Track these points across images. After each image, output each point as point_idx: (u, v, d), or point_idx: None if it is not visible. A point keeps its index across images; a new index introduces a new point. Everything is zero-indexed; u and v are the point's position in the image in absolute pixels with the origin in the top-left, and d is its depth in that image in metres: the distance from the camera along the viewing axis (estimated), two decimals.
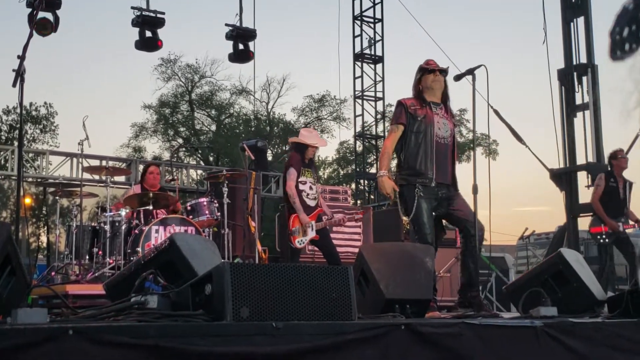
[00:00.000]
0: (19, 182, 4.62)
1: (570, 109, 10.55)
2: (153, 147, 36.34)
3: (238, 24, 12.42)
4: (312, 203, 7.67)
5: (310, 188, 7.67)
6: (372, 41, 19.14)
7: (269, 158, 31.30)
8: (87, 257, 7.95)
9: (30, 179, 12.38)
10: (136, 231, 7.66)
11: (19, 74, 4.43)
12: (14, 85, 4.42)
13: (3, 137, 31.23)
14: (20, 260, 3.74)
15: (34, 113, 33.14)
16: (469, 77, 5.64)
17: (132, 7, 11.29)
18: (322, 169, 37.45)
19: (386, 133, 21.87)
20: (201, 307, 3.56)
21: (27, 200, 17.97)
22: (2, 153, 12.97)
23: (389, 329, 3.61)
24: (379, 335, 3.57)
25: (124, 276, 4.27)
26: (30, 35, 4.60)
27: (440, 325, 3.81)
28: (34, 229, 28.07)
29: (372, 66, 19.25)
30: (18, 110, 31.76)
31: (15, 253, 3.67)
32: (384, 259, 4.83)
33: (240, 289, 3.39)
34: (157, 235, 7.46)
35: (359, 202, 21.15)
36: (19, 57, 4.47)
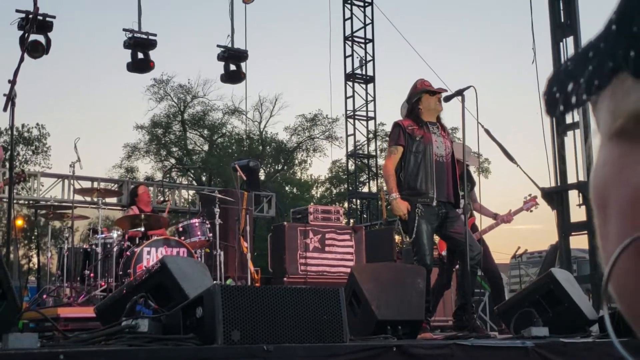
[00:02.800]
0: (9, 204, 4.62)
1: (560, 128, 10.61)
2: (145, 167, 36.28)
3: (230, 45, 12.48)
4: None
5: None
6: (363, 61, 19.23)
7: (262, 177, 31.31)
8: (79, 279, 7.92)
9: (22, 201, 12.35)
10: (128, 253, 7.64)
11: (10, 98, 4.44)
12: (4, 109, 4.43)
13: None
14: (11, 284, 3.73)
15: (25, 134, 33.09)
16: (459, 98, 5.70)
17: (124, 29, 11.34)
18: (314, 188, 37.50)
19: (378, 152, 21.93)
20: (192, 330, 3.55)
21: (19, 222, 17.90)
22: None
23: (380, 351, 3.62)
24: (371, 357, 3.57)
25: (115, 299, 4.27)
26: (22, 59, 4.63)
27: (431, 346, 3.82)
28: (25, 250, 27.94)
29: (364, 86, 19.33)
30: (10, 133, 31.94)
31: (5, 276, 3.67)
32: (376, 280, 4.84)
33: (231, 312, 3.39)
34: (149, 257, 7.44)
35: (351, 221, 21.17)
36: (9, 81, 4.49)
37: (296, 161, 36.30)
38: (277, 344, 3.38)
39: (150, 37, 11.50)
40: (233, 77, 12.61)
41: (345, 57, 19.32)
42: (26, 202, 11.71)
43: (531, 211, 7.51)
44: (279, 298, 3.55)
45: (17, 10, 8.88)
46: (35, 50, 9.60)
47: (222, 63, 12.46)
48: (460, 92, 5.69)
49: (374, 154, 19.56)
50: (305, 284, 9.57)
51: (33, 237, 27.15)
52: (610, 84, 0.45)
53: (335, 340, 3.62)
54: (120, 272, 7.53)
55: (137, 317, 3.78)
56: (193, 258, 7.60)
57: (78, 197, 9.52)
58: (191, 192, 17.20)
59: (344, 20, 19.35)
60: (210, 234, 8.33)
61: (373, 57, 19.31)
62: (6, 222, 26.61)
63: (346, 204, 23.19)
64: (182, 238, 8.07)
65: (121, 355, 3.33)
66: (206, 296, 3.48)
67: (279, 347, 3.37)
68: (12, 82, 4.47)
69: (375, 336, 4.41)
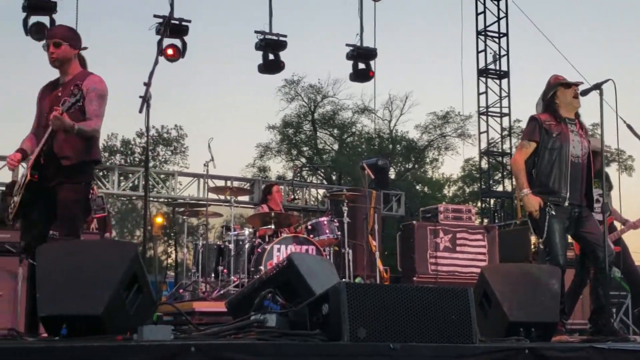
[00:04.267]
0: (145, 203, 4.81)
1: None
2: (277, 166, 37.03)
3: (359, 44, 12.49)
4: None
5: None
6: (497, 56, 18.77)
7: (392, 176, 31.23)
8: (213, 274, 8.18)
9: (161, 199, 12.89)
10: (259, 250, 7.81)
11: (145, 99, 4.61)
12: (140, 111, 4.61)
13: (137, 159, 32.73)
14: (147, 279, 3.87)
15: (165, 135, 34.58)
16: (597, 92, 5.42)
17: (256, 31, 11.58)
18: (446, 187, 36.99)
19: (514, 150, 21.31)
20: (318, 326, 3.56)
21: (159, 220, 18.72)
22: (135, 174, 13.64)
23: (512, 353, 3.49)
24: (501, 359, 3.45)
25: (245, 295, 4.35)
26: (156, 62, 4.78)
27: (566, 349, 3.65)
28: (165, 247, 29.19)
29: (497, 81, 18.87)
30: (151, 134, 33.41)
31: (142, 272, 3.81)
32: (507, 281, 4.68)
33: (357, 309, 3.37)
34: (279, 254, 7.57)
35: (485, 220, 20.71)
36: (145, 83, 4.66)
37: (427, 159, 35.95)
38: (403, 342, 3.33)
39: (281, 38, 11.70)
40: (362, 75, 12.61)
41: (478, 52, 18.95)
42: (165, 201, 12.18)
43: None
44: (405, 296, 3.50)
45: (155, 16, 9.25)
46: (172, 53, 9.98)
47: (351, 62, 12.50)
48: (598, 86, 5.41)
49: (508, 151, 19.04)
50: (436, 284, 9.44)
51: (172, 234, 28.31)
52: None
53: (463, 341, 3.53)
54: (252, 269, 7.71)
55: (265, 312, 3.84)
56: (321, 256, 7.67)
57: (212, 196, 9.82)
58: (320, 190, 17.39)
59: (477, 14, 18.97)
60: (339, 232, 8.37)
61: (507, 51, 18.82)
62: (140, 220, 27.86)
63: (479, 203, 22.72)
64: (311, 236, 8.15)
65: (250, 348, 3.37)
66: (332, 293, 3.48)
67: (406, 345, 3.32)
68: (147, 85, 4.64)
69: (507, 338, 4.27)
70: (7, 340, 3.38)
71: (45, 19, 9.53)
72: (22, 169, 5.04)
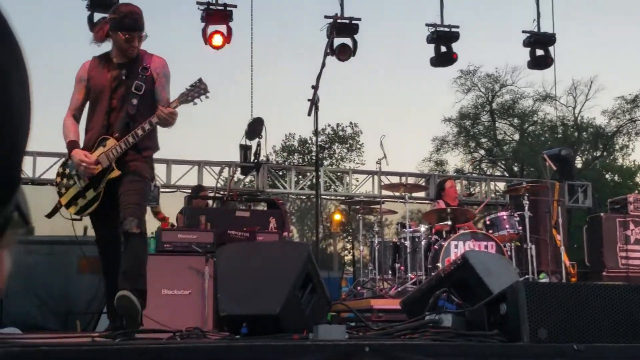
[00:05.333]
0: (317, 200, 4.88)
1: None
2: (455, 160, 36.46)
3: (536, 30, 12.00)
4: None
5: None
6: None
7: (578, 165, 29.80)
8: (390, 272, 8.18)
9: (338, 197, 13.09)
10: (436, 247, 7.71)
11: (313, 102, 4.67)
12: (309, 114, 4.67)
13: (314, 158, 33.49)
14: (320, 279, 3.92)
15: (340, 133, 35.11)
16: None
17: (427, 24, 11.45)
18: (639, 175, 34.74)
19: None
20: (496, 327, 3.45)
21: (337, 217, 19.06)
22: (311, 173, 13.96)
23: None
24: None
25: (420, 293, 4.30)
26: (323, 65, 4.83)
27: None
28: (344, 243, 29.69)
29: None
30: (327, 132, 34.26)
31: (315, 271, 3.86)
32: None
33: (537, 309, 3.23)
34: (457, 251, 7.43)
35: None
36: (313, 87, 4.72)
37: (617, 147, 33.93)
38: (588, 343, 3.15)
39: (453, 29, 11.48)
40: (540, 62, 12.12)
41: None
42: (341, 199, 12.37)
43: None
44: (588, 295, 3.30)
45: (326, 16, 9.36)
46: (343, 53, 10.09)
47: (528, 49, 12.04)
48: None
49: None
50: (627, 279, 8.89)
51: (350, 231, 28.74)
52: None
53: None
54: (429, 266, 7.62)
55: (440, 312, 3.77)
56: (501, 252, 7.44)
57: (387, 192, 9.83)
58: (500, 184, 16.93)
59: None
60: (520, 227, 8.07)
61: None
62: (325, 217, 28.53)
63: None
64: (490, 231, 7.93)
65: (425, 349, 3.32)
66: (509, 292, 3.36)
67: (591, 346, 3.14)
68: (315, 88, 4.70)
69: None
70: (191, 339, 3.55)
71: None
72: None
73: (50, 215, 4.69)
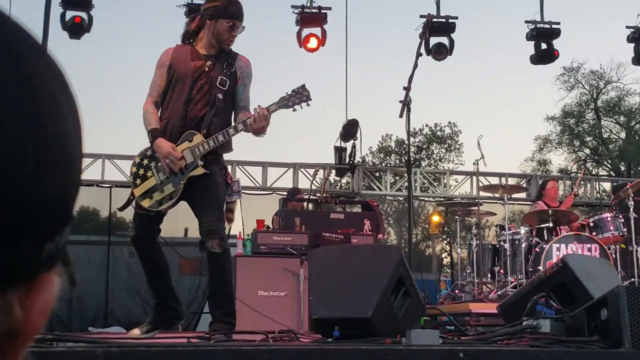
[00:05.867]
0: (409, 202, 4.81)
1: None
2: (558, 159, 35.40)
3: None
4: None
5: None
6: None
7: None
8: (489, 275, 8.01)
9: (436, 199, 12.94)
10: (536, 249, 7.49)
11: (405, 104, 4.62)
12: (400, 115, 4.62)
13: (411, 159, 33.26)
14: (414, 282, 3.87)
15: (439, 133, 34.74)
16: None
17: (526, 21, 11.16)
18: None
19: None
20: (597, 332, 3.32)
21: (435, 218, 18.87)
22: (407, 176, 13.80)
23: None
24: None
25: (518, 297, 4.19)
26: (415, 66, 4.76)
27: None
28: (443, 245, 29.32)
29: None
30: (424, 132, 33.96)
31: (408, 275, 3.81)
32: None
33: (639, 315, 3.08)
34: (559, 253, 7.18)
35: None
36: (404, 88, 4.66)
37: None
38: None
39: (554, 26, 11.15)
40: None
41: None
42: (439, 200, 12.22)
43: None
44: None
45: (421, 16, 9.25)
46: (440, 52, 9.96)
47: (632, 45, 11.54)
48: None
49: None
50: None
51: (449, 232, 28.34)
52: None
53: None
54: (530, 269, 7.41)
55: (538, 317, 3.66)
56: (605, 255, 7.17)
57: (485, 193, 9.64)
58: (605, 184, 16.31)
59: None
60: (625, 229, 7.74)
61: None
62: (423, 219, 28.25)
63: None
64: (594, 234, 7.64)
65: (522, 355, 3.24)
66: (610, 297, 3.22)
67: None
68: (407, 89, 4.64)
69: None
70: (283, 341, 3.57)
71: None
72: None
73: (122, 208, 4.57)
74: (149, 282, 4.65)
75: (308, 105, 4.49)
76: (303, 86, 4.48)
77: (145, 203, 4.38)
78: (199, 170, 4.31)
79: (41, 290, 0.47)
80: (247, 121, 4.29)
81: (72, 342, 2.98)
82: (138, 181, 4.42)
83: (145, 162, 4.45)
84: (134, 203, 4.46)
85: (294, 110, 4.47)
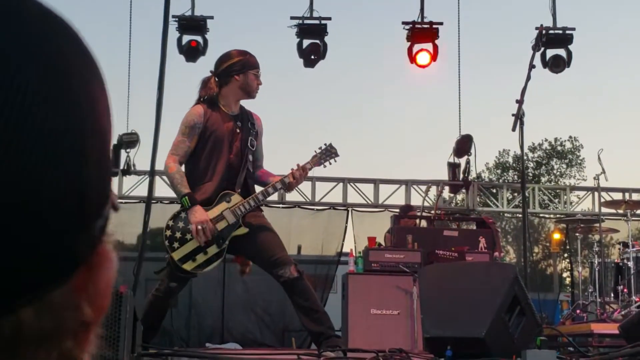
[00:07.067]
0: (523, 220, 4.66)
1: None
2: None
3: None
4: None
5: None
6: None
7: None
8: (612, 294, 7.66)
9: (558, 215, 12.50)
10: None
11: (518, 117, 4.49)
12: (513, 129, 4.49)
13: (530, 174, 32.32)
14: (529, 301, 3.75)
15: (559, 148, 33.65)
16: None
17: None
18: None
19: None
20: None
21: (556, 236, 18.26)
22: (526, 190, 13.42)
23: None
24: None
25: (639, 317, 3.97)
26: (528, 78, 4.62)
27: None
28: (565, 264, 28.30)
29: None
30: (543, 147, 32.99)
31: (523, 294, 3.70)
32: None
33: None
34: None
35: None
36: (517, 101, 4.53)
37: None
38: None
39: None
40: None
41: None
42: (560, 217, 11.80)
43: None
44: None
45: (536, 28, 8.98)
46: (557, 64, 9.66)
47: None
48: None
49: None
50: None
51: (572, 251, 27.31)
52: None
53: None
54: None
55: None
56: None
57: (607, 210, 9.23)
58: None
59: None
60: None
61: None
62: (543, 236, 27.34)
63: None
64: None
65: None
66: None
67: None
68: (520, 102, 4.51)
69: None
70: None
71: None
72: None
73: (159, 272, 4.57)
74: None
75: (335, 161, 4.79)
76: (330, 144, 4.73)
77: (188, 266, 4.39)
78: (242, 230, 4.42)
79: (100, 266, 0.47)
80: (285, 180, 4.48)
81: (187, 357, 3.06)
82: (176, 244, 4.41)
83: (181, 224, 4.44)
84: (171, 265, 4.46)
85: (324, 167, 4.79)
